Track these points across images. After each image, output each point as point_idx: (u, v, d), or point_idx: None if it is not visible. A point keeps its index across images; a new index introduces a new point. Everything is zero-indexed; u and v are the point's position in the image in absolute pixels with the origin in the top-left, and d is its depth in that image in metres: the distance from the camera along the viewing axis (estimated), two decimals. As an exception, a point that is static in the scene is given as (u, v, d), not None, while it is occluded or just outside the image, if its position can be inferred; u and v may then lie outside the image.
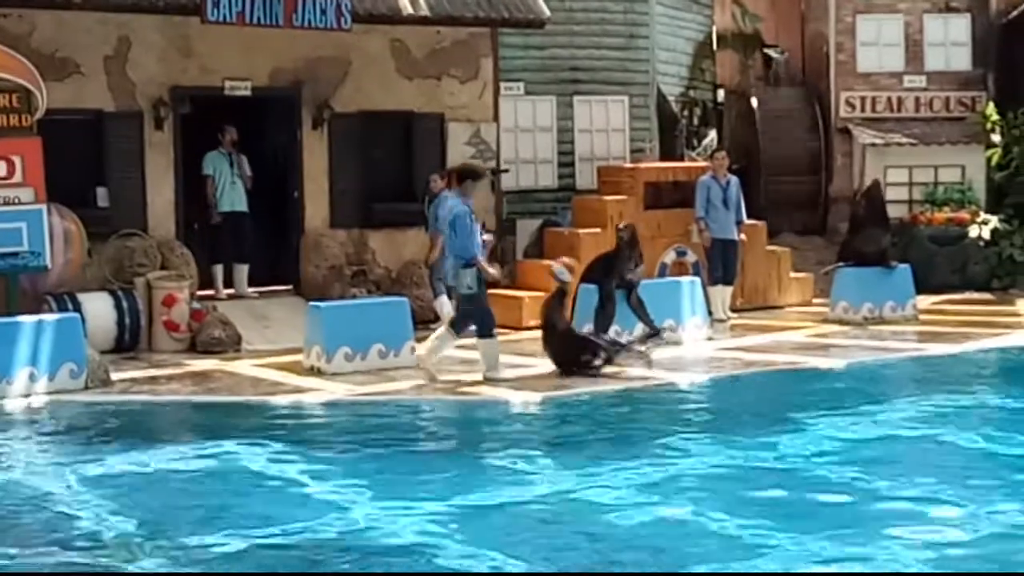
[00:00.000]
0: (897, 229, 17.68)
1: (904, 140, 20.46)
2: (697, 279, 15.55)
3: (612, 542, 7.41)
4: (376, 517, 7.91)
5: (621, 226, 14.65)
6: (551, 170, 18.53)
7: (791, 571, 6.71)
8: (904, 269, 16.35)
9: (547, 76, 18.58)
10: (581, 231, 16.63)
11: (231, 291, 15.34)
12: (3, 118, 13.38)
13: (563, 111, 18.65)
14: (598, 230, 16.25)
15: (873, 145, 20.48)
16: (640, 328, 13.90)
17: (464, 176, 12.85)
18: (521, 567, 6.87)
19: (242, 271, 15.54)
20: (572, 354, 12.83)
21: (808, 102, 21.76)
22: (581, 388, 12.22)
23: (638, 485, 8.57)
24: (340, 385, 12.22)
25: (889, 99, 21.03)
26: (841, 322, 15.92)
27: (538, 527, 7.77)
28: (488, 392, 11.98)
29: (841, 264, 16.52)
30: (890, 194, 19.20)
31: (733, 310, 16.55)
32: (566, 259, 13.71)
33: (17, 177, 13.36)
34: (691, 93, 21.63)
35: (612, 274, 14.37)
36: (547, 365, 13.19)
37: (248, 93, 15.63)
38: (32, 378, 11.81)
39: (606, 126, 18.99)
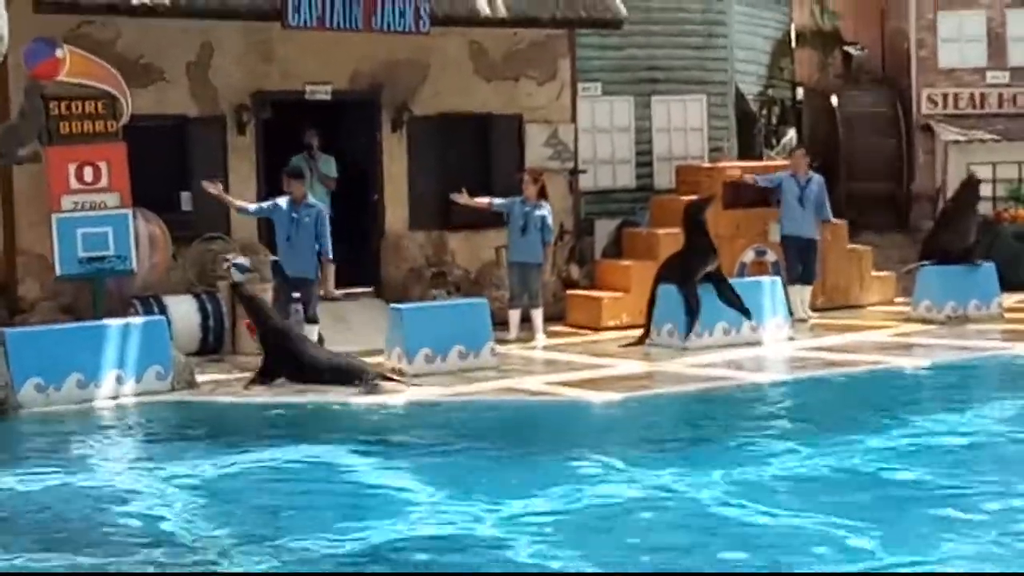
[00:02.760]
0: (981, 227, 17.46)
1: (987, 137, 20.21)
2: (777, 279, 15.46)
3: (697, 545, 7.40)
4: (459, 518, 7.94)
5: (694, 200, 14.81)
6: (629, 170, 18.50)
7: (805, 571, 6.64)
8: (988, 267, 16.15)
9: (625, 76, 18.55)
10: (659, 231, 16.58)
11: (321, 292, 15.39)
12: (89, 124, 13.60)
13: (641, 111, 18.61)
14: (676, 230, 16.20)
15: (956, 142, 20.25)
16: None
17: None
18: (602, 569, 6.87)
19: (329, 271, 15.63)
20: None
21: (889, 100, 21.53)
22: (662, 388, 12.20)
23: (721, 487, 8.54)
24: (421, 387, 12.27)
25: (972, 95, 20.77)
26: (924, 321, 15.75)
27: (621, 529, 7.77)
28: (569, 393, 11.99)
29: (924, 262, 16.34)
30: (974, 191, 18.97)
31: (814, 309, 16.43)
32: (241, 258, 13.63)
33: (103, 182, 13.57)
34: (770, 92, 21.50)
35: (691, 272, 14.39)
36: (629, 366, 13.20)
37: (328, 97, 15.74)
38: (119, 380, 11.97)
39: (684, 125, 18.92)
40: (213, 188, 13.52)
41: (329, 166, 15.67)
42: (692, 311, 14.16)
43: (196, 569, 7.01)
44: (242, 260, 13.68)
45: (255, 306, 12.81)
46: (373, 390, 12.06)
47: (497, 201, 15.15)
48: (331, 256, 13.63)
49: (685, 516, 7.99)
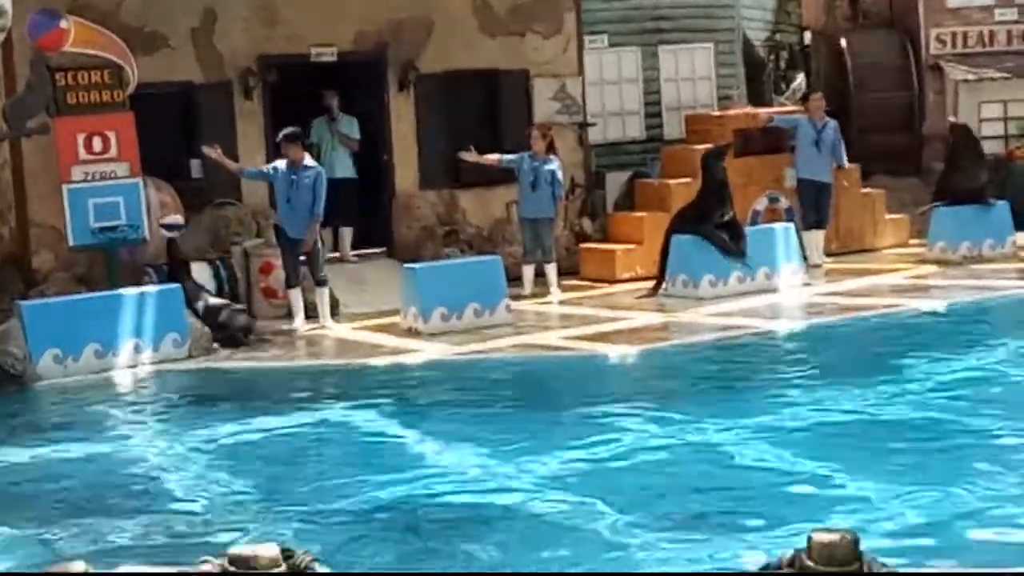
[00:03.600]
0: (993, 165, 17.37)
1: (997, 75, 20.05)
2: (791, 225, 15.42)
3: (721, 494, 7.40)
4: (481, 475, 7.97)
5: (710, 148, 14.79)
6: (638, 121, 18.43)
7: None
8: (1002, 206, 16.08)
9: (631, 27, 18.45)
10: (671, 181, 16.52)
11: (335, 254, 15.39)
12: (96, 94, 13.56)
13: (648, 61, 18.52)
14: (688, 180, 16.14)
15: (966, 81, 20.11)
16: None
17: None
18: (629, 521, 6.87)
19: (345, 235, 15.65)
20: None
21: (897, 41, 21.37)
22: (678, 340, 12.20)
23: (741, 435, 8.55)
24: (438, 345, 12.29)
25: (980, 34, 20.60)
26: (939, 262, 15.70)
27: (642, 480, 7.77)
28: (586, 347, 11.99)
29: (937, 203, 16.29)
30: (985, 130, 18.89)
31: (828, 254, 16.40)
32: (171, 217, 13.65)
33: (112, 152, 13.55)
34: (777, 37, 21.40)
35: (705, 218, 14.40)
36: (645, 318, 13.20)
37: (334, 59, 15.68)
38: (137, 349, 12.00)
39: (692, 74, 18.83)
40: (212, 152, 13.52)
41: (351, 127, 15.63)
42: (727, 249, 14.19)
43: (211, 534, 7.01)
44: (171, 219, 13.59)
45: (187, 269, 13.04)
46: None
47: (506, 157, 15.11)
48: (320, 217, 13.54)
49: (705, 466, 8.00)
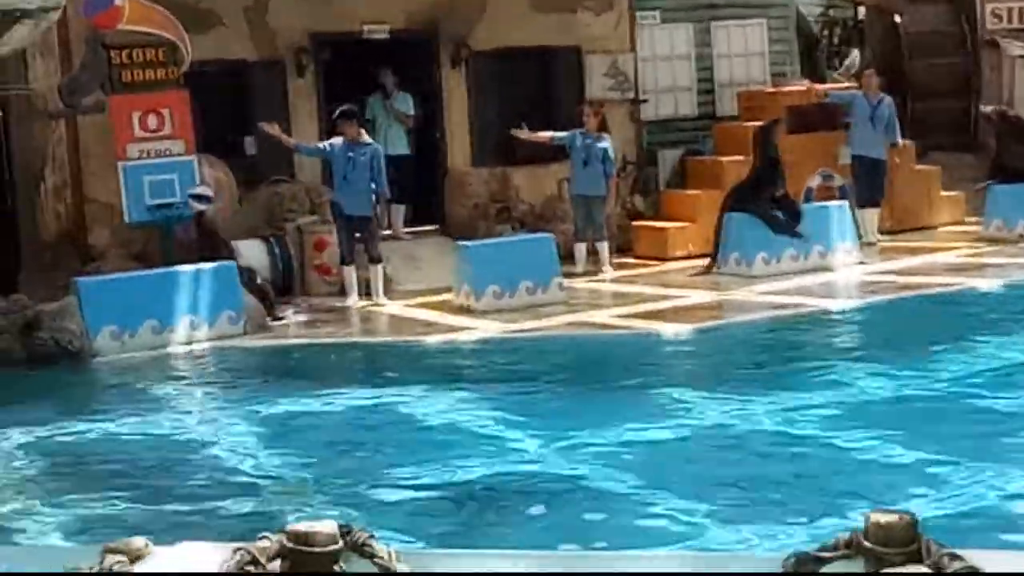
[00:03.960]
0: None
1: (1054, 50, 19.79)
2: (845, 203, 15.31)
3: (776, 474, 7.38)
4: (534, 453, 7.98)
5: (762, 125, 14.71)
6: (691, 98, 18.29)
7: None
8: (1059, 184, 15.89)
9: (683, 2, 18.28)
10: (724, 159, 16.44)
11: (388, 231, 15.40)
12: (151, 72, 13.64)
13: (701, 37, 18.37)
14: (741, 157, 16.04)
15: (1022, 57, 19.86)
16: None
17: None
18: (684, 500, 6.87)
19: (399, 212, 15.67)
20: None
21: (953, 16, 21.11)
22: (732, 318, 12.15)
23: (796, 415, 8.51)
24: (491, 323, 12.30)
25: (1038, 9, 20.34)
26: (995, 240, 15.54)
27: (698, 460, 7.76)
28: (639, 325, 11.96)
29: (992, 181, 16.11)
30: (1042, 106, 18.62)
31: (883, 232, 16.27)
32: (200, 188, 13.56)
33: (167, 130, 13.62)
34: (831, 12, 21.17)
35: (759, 196, 14.33)
36: (698, 296, 13.16)
37: (386, 36, 15.69)
38: (193, 326, 12.08)
39: (745, 51, 18.65)
40: (270, 128, 13.57)
41: (406, 103, 15.65)
42: (781, 227, 14.13)
43: (268, 510, 7.06)
44: (200, 189, 13.60)
45: (216, 242, 12.97)
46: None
47: (558, 135, 15.08)
48: (388, 194, 13.67)
49: (760, 445, 7.98)
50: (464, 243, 13.65)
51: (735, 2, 18.61)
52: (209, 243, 13.30)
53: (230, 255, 13.11)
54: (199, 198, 13.44)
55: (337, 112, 13.75)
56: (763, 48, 18.68)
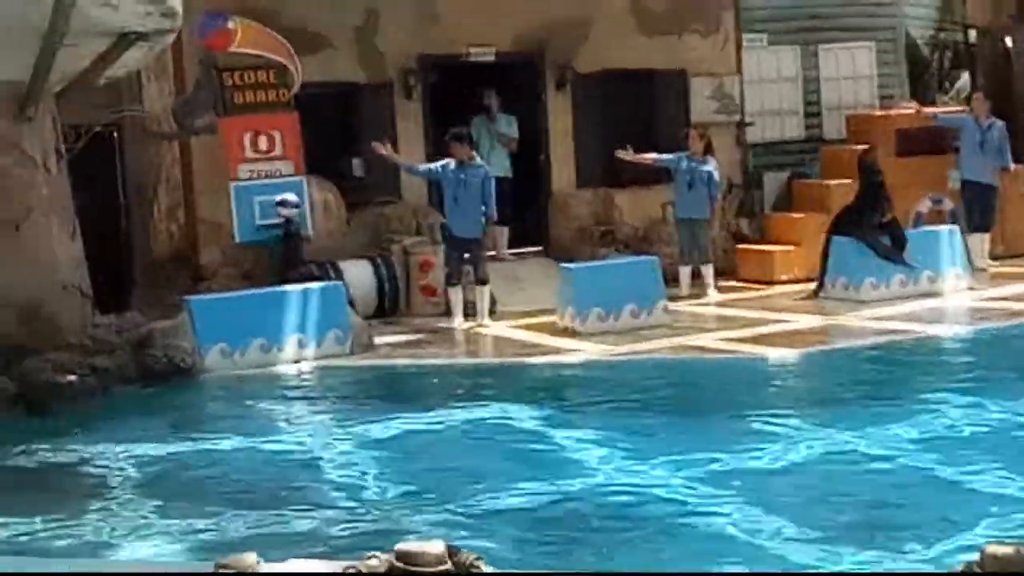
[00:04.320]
0: None
1: None
2: (956, 227, 15.10)
3: (880, 503, 7.29)
4: (637, 476, 7.95)
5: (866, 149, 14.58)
6: (797, 121, 18.18)
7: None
8: None
9: (790, 25, 18.20)
10: (830, 182, 16.31)
11: (491, 253, 15.48)
12: (262, 94, 13.88)
13: (808, 60, 18.25)
14: (848, 180, 15.90)
15: None
16: None
17: None
18: (783, 527, 6.81)
19: (502, 233, 15.75)
20: None
21: (1067, 38, 20.72)
22: (838, 343, 12.03)
23: (902, 442, 8.40)
24: (595, 345, 12.31)
25: None
26: (1110, 267, 15.24)
27: (803, 487, 7.69)
28: (744, 349, 11.90)
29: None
30: None
31: (993, 258, 16.01)
32: (288, 194, 13.58)
33: (277, 151, 13.86)
34: (941, 35, 20.91)
35: (864, 222, 14.19)
36: (803, 320, 13.05)
37: (492, 58, 15.81)
38: (301, 344, 12.23)
39: (853, 73, 18.50)
40: (383, 149, 13.72)
41: (510, 126, 15.75)
42: (885, 253, 13.99)
43: (375, 529, 7.12)
44: (286, 195, 13.70)
45: (293, 247, 13.22)
46: None
47: (662, 157, 15.07)
48: (495, 217, 13.77)
49: (864, 473, 7.88)
50: (568, 265, 13.69)
51: (843, 25, 18.46)
52: (293, 249, 13.45)
53: (307, 268, 13.24)
54: (284, 203, 13.59)
55: (449, 134, 13.87)
56: (871, 71, 18.52)
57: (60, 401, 10.54)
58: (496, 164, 15.49)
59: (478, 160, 13.87)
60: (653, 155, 15.09)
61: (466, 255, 13.64)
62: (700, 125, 15.75)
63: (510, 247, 15.94)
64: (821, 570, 6.24)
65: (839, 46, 18.40)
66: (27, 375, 10.60)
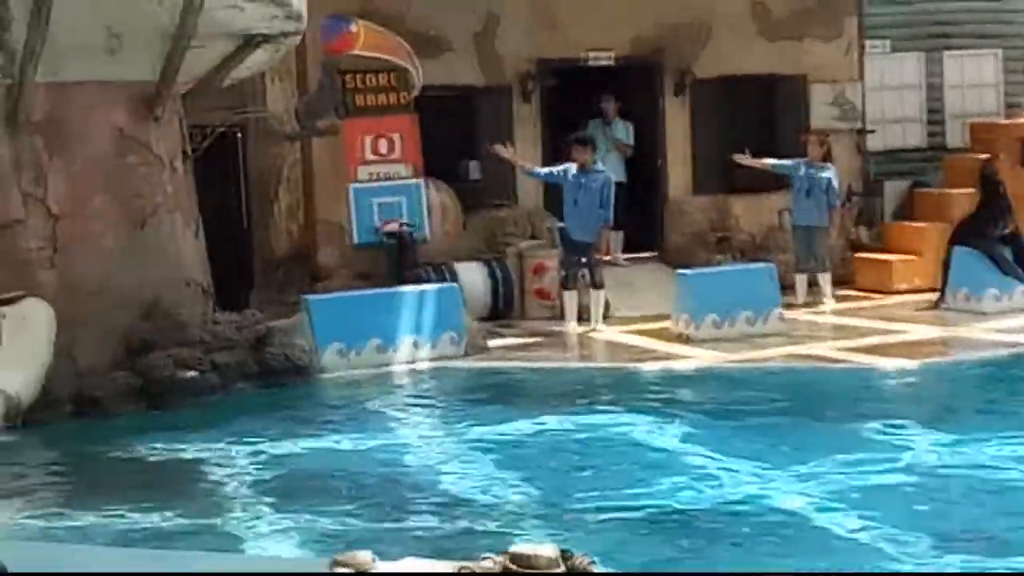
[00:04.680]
0: None
1: None
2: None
3: (998, 517, 7.17)
4: (748, 484, 7.91)
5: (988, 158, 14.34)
6: (919, 129, 17.90)
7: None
8: None
9: (914, 32, 17.93)
10: (952, 191, 16.06)
11: (606, 258, 15.46)
12: (383, 97, 14.03)
13: (931, 67, 17.96)
14: (971, 190, 15.64)
15: None
16: None
17: None
18: (898, 538, 6.73)
19: (616, 239, 15.74)
20: None
21: None
22: (960, 355, 11.84)
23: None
24: (708, 352, 12.25)
25: None
26: None
27: (917, 497, 7.59)
28: (861, 359, 11.76)
29: None
30: None
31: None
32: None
33: (396, 153, 14.00)
34: (1070, 42, 20.43)
35: (985, 232, 13.96)
36: (922, 331, 12.86)
37: (611, 63, 15.81)
38: (416, 346, 12.33)
39: (978, 81, 18.18)
40: (505, 152, 13.77)
41: (626, 133, 15.73)
42: (1006, 267, 13.75)
43: (489, 531, 7.15)
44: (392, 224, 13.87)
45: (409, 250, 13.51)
46: None
47: (780, 162, 14.95)
48: (611, 223, 13.76)
49: (982, 486, 7.76)
50: (683, 271, 13.64)
51: (968, 32, 18.14)
52: (409, 251, 13.61)
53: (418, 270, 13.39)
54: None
55: (572, 137, 13.90)
56: (997, 79, 18.17)
57: (180, 396, 10.75)
58: (611, 169, 15.46)
59: (599, 165, 13.87)
60: (770, 160, 14.98)
61: (583, 259, 13.65)
62: (820, 132, 15.58)
63: (624, 252, 15.91)
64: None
65: (964, 53, 18.09)
66: (149, 370, 10.81)
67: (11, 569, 3.39)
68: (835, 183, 14.83)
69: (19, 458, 9.39)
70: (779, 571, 6.28)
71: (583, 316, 13.72)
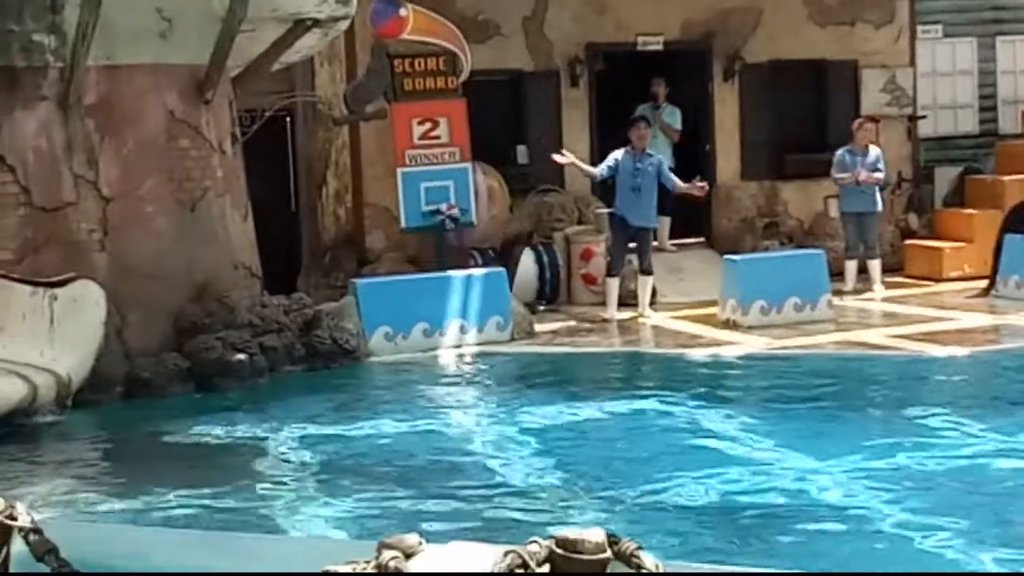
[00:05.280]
0: None
1: None
2: None
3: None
4: (798, 473, 7.86)
5: None
6: (972, 115, 17.74)
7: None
8: None
9: (967, 17, 17.76)
10: (1005, 178, 15.91)
11: (653, 243, 15.38)
12: (432, 81, 14.05)
13: (984, 53, 17.79)
14: (1023, 176, 15.49)
15: None
16: None
17: None
18: (939, 529, 6.67)
19: (664, 224, 15.69)
20: None
21: None
22: (1010, 343, 11.74)
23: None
24: (756, 338, 12.20)
25: None
26: None
27: (962, 489, 7.51)
28: (911, 346, 11.68)
29: None
30: None
31: None
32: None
33: (445, 138, 14.01)
34: None
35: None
36: (973, 319, 12.75)
37: (660, 47, 15.76)
38: (462, 330, 12.36)
39: (1031, 67, 18.00)
40: (564, 159, 13.65)
41: (674, 117, 15.67)
42: None
43: (534, 515, 7.16)
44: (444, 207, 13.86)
45: (457, 234, 13.76)
46: None
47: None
48: (680, 187, 13.66)
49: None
50: (732, 257, 13.58)
51: (1023, 16, 17.95)
52: (457, 235, 13.67)
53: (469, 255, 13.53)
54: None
55: (635, 116, 13.86)
56: (1051, 64, 17.98)
57: (229, 379, 10.81)
58: (659, 153, 15.38)
59: (649, 149, 13.79)
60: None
61: (633, 244, 13.60)
62: (869, 118, 15.48)
63: (672, 238, 15.87)
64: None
65: (1017, 38, 17.90)
66: (198, 352, 10.89)
67: (63, 548, 3.43)
68: (880, 164, 14.70)
69: (69, 439, 9.49)
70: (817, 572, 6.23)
71: (631, 302, 13.68)
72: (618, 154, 13.61)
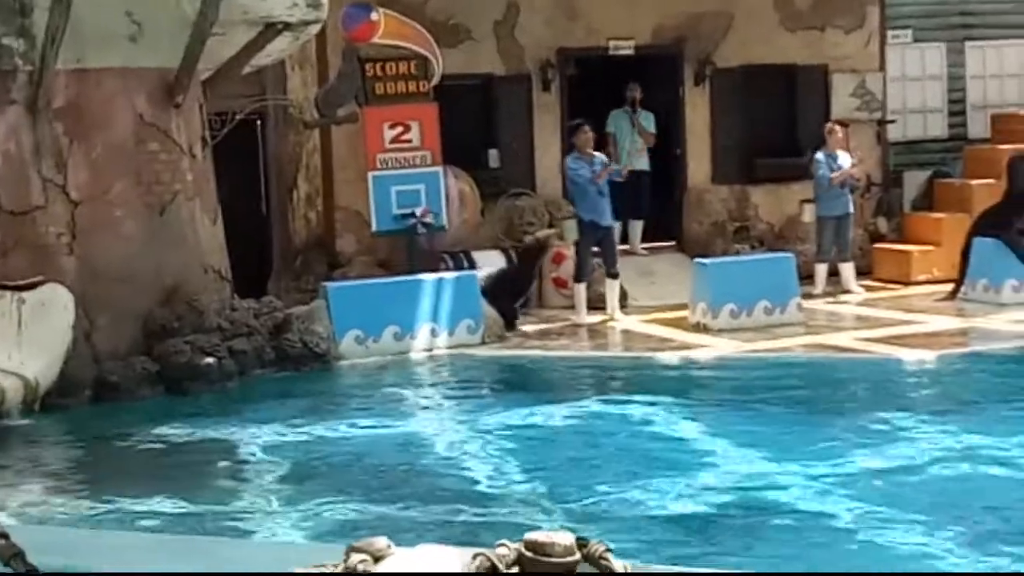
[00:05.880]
0: None
1: None
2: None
3: (1005, 509, 7.15)
4: (764, 475, 7.90)
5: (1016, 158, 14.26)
6: (941, 119, 17.83)
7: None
8: None
9: (937, 22, 17.86)
10: (973, 182, 15.99)
11: (624, 246, 15.40)
12: (403, 85, 14.05)
13: (954, 58, 17.89)
14: (992, 181, 15.57)
15: None
16: None
17: None
18: (913, 531, 6.71)
19: (636, 228, 15.72)
20: None
21: None
22: (978, 346, 11.81)
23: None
24: (727, 341, 12.24)
25: None
26: None
27: (934, 491, 7.56)
28: (879, 349, 11.74)
29: None
30: None
31: None
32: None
33: (416, 141, 14.01)
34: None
35: (1008, 224, 13.90)
36: (941, 322, 12.83)
37: (631, 52, 15.78)
38: (433, 333, 12.36)
39: (1000, 72, 18.09)
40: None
41: (648, 121, 15.69)
42: None
43: (503, 518, 7.16)
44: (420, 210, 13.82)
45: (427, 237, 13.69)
46: None
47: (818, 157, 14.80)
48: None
49: (999, 480, 7.73)
50: (702, 260, 13.62)
51: (991, 22, 18.06)
52: (427, 239, 13.69)
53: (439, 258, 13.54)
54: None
55: (571, 124, 13.93)
56: (1020, 69, 18.09)
57: (198, 382, 10.78)
58: (635, 157, 15.43)
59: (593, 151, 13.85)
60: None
61: (597, 249, 13.62)
62: (840, 122, 15.56)
63: (643, 241, 15.89)
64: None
65: (987, 43, 18.01)
66: (167, 356, 10.86)
67: (30, 554, 3.41)
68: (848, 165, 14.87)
69: (37, 443, 9.45)
70: (787, 572, 6.26)
71: (600, 305, 13.70)
72: (572, 163, 13.62)
